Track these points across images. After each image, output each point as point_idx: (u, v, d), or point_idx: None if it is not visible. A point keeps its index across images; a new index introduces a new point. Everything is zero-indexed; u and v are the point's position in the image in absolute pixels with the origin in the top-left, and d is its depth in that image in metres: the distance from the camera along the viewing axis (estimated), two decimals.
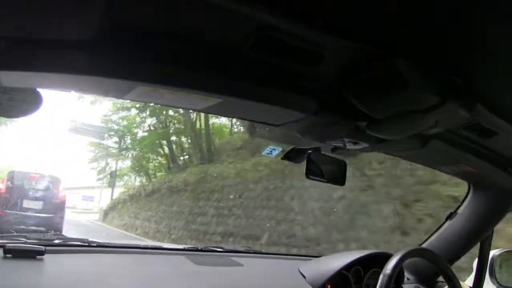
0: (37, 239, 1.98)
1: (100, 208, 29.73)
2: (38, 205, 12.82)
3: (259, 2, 0.91)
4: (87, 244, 2.14)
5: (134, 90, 1.17)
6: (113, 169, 28.94)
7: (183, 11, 0.97)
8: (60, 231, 11.57)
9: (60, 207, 13.38)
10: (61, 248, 1.99)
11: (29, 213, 12.29)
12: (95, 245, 2.15)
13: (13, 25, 0.93)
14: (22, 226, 11.12)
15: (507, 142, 1.60)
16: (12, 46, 0.97)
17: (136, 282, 1.89)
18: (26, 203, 12.68)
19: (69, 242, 2.13)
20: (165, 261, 2.21)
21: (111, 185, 29.01)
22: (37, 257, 1.78)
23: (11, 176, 13.57)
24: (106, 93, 1.31)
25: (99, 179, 30.11)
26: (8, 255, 1.74)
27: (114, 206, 26.05)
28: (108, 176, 29.32)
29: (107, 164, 29.35)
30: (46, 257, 1.80)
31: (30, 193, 13.05)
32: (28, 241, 1.91)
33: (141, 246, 2.35)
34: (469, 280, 2.49)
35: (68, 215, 23.00)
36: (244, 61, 1.15)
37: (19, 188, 12.99)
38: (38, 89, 1.22)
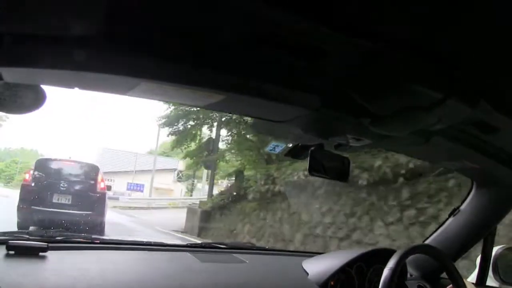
0: (39, 236, 1.98)
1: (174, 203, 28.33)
2: (70, 200, 10.64)
3: None
4: (90, 240, 2.14)
5: (138, 87, 1.18)
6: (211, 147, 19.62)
7: (186, 7, 0.98)
8: (101, 233, 10.02)
9: (99, 202, 11.02)
10: (64, 245, 2.00)
11: (60, 210, 10.21)
12: (98, 241, 2.15)
13: (17, 21, 0.94)
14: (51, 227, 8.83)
15: (510, 138, 1.60)
16: (16, 42, 0.97)
17: (139, 279, 1.89)
18: (57, 198, 10.53)
19: (72, 239, 2.13)
20: (168, 257, 2.21)
21: (210, 173, 21.21)
22: (40, 254, 1.79)
23: (39, 165, 11.33)
24: (109, 89, 1.32)
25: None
26: (11, 252, 1.74)
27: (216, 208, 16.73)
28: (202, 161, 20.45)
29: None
30: (49, 253, 1.80)
31: (61, 185, 10.78)
32: (30, 237, 1.91)
33: (144, 242, 2.35)
34: (472, 277, 2.49)
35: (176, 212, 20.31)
36: (247, 57, 1.16)
37: (48, 180, 10.84)
38: (42, 86, 1.22)
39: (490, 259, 2.36)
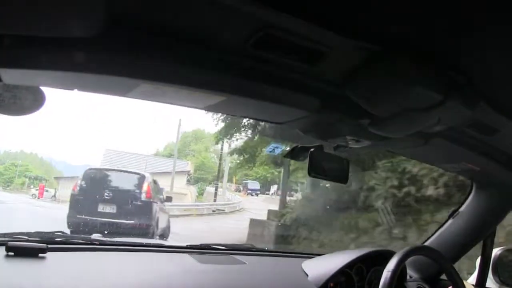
0: (39, 237, 1.98)
1: None
2: (115, 209, 10.57)
3: (262, 1, 0.91)
4: (89, 242, 2.14)
5: (137, 88, 1.18)
6: None
7: (186, 9, 0.98)
8: None
9: (144, 211, 10.76)
10: (63, 246, 1.99)
11: (104, 219, 10.15)
12: (98, 243, 2.15)
13: (16, 23, 0.93)
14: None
15: (510, 139, 1.60)
16: (15, 44, 0.97)
17: (139, 281, 1.89)
18: (101, 207, 10.52)
19: (71, 240, 2.12)
20: (168, 259, 2.21)
21: (283, 174, 17.85)
22: (39, 255, 1.78)
23: (86, 175, 11.45)
24: (109, 91, 1.32)
25: None
26: (10, 253, 1.74)
27: None
28: None
29: None
30: (48, 255, 1.80)
31: (106, 194, 10.81)
32: (30, 239, 1.91)
33: (144, 244, 2.35)
34: (472, 279, 2.49)
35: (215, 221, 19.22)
36: (247, 59, 1.16)
37: (94, 189, 10.92)
38: (41, 87, 1.22)
39: (490, 261, 2.36)
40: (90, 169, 12.36)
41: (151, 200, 11.16)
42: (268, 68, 1.20)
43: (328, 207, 11.44)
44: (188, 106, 1.40)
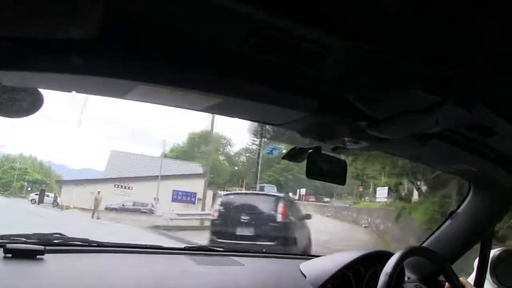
0: (37, 239, 1.97)
1: None
2: (253, 231, 10.69)
3: (259, 2, 0.91)
4: (87, 244, 2.14)
5: (134, 90, 1.18)
6: None
7: (183, 10, 0.98)
8: None
9: (281, 232, 10.71)
10: (61, 248, 1.99)
11: (244, 242, 9.95)
12: (96, 245, 2.14)
13: (14, 25, 0.93)
14: None
15: (508, 141, 1.60)
16: (13, 46, 0.97)
17: (137, 282, 1.88)
18: (240, 231, 10.68)
19: (69, 242, 2.12)
20: (166, 260, 2.21)
21: None
22: (37, 257, 1.78)
23: (224, 200, 11.86)
24: (106, 93, 1.32)
25: None
26: (8, 255, 1.74)
27: None
28: None
29: None
30: (46, 257, 1.80)
31: (243, 217, 10.99)
32: (28, 240, 1.91)
33: (142, 245, 2.34)
34: (470, 280, 2.49)
35: None
36: (245, 60, 1.16)
37: (232, 213, 11.26)
38: (39, 89, 1.22)
39: (488, 262, 2.36)
40: (227, 194, 12.78)
41: (287, 220, 11.21)
42: (265, 70, 1.20)
43: None
44: (186, 108, 1.40)
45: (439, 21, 0.98)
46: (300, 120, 1.44)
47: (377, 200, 27.43)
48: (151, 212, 29.10)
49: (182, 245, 2.57)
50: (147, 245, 2.38)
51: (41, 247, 1.81)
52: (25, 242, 1.87)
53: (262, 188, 35.90)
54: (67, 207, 28.82)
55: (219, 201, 11.97)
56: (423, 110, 1.24)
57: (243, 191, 13.43)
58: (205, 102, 1.30)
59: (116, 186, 32.54)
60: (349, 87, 1.25)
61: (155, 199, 31.23)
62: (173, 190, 29.74)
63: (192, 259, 2.20)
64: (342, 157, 1.83)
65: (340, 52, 1.12)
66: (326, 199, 39.64)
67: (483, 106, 1.31)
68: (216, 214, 11.51)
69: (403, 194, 19.84)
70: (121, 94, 1.24)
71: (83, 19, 0.93)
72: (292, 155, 1.78)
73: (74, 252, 2.01)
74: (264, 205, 11.55)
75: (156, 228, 19.04)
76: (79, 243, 2.13)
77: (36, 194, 33.19)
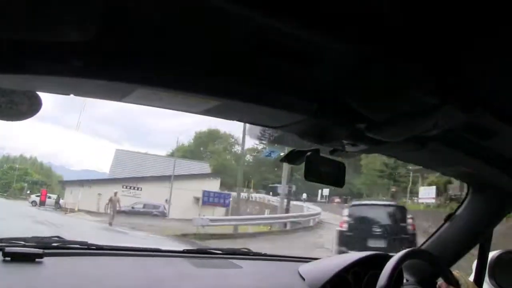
0: (35, 242, 1.97)
1: None
2: (385, 243, 10.64)
3: (258, 4, 0.91)
4: (86, 246, 2.13)
5: (133, 93, 1.18)
6: None
7: (182, 13, 0.98)
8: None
9: (411, 244, 10.41)
10: (60, 251, 1.99)
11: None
12: (94, 247, 2.14)
13: (12, 27, 0.93)
14: None
15: (507, 143, 1.61)
16: (11, 49, 0.97)
17: (135, 285, 1.88)
18: (372, 242, 10.62)
19: (68, 245, 2.12)
20: (164, 263, 2.21)
21: None
22: (36, 260, 1.78)
23: (351, 210, 11.81)
24: (105, 96, 1.32)
25: None
26: (7, 258, 1.73)
27: None
28: None
29: None
30: (45, 260, 1.80)
31: (374, 229, 11.04)
32: (27, 244, 1.91)
33: (141, 248, 2.34)
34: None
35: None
36: (243, 63, 1.16)
37: (361, 225, 11.22)
38: (37, 92, 1.22)
39: (487, 264, 2.36)
40: (354, 204, 12.64)
41: (415, 232, 11.24)
42: (264, 72, 1.20)
43: None
44: (185, 111, 1.40)
45: (438, 23, 0.98)
46: (299, 123, 1.44)
47: (420, 200, 26.58)
48: (163, 215, 27.93)
49: (181, 248, 2.57)
50: (145, 248, 2.38)
51: (40, 251, 1.81)
52: (24, 246, 1.87)
53: (275, 189, 34.50)
54: (72, 210, 27.62)
55: (346, 211, 11.82)
56: (422, 112, 1.24)
57: (370, 202, 13.01)
58: (203, 105, 1.30)
59: (125, 187, 31.18)
60: (348, 89, 1.25)
61: (166, 200, 29.98)
62: (203, 191, 26.69)
63: (191, 262, 2.20)
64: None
65: (339, 54, 1.12)
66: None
67: (482, 108, 1.31)
68: (345, 225, 11.41)
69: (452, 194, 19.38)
70: (119, 97, 1.24)
71: (82, 22, 0.93)
72: (291, 158, 1.78)
73: (73, 255, 2.01)
74: (392, 216, 11.45)
75: (184, 236, 17.15)
76: (78, 246, 2.13)
77: (37, 196, 32.11)
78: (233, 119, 1.53)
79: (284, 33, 1.01)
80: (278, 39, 1.04)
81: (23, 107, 1.23)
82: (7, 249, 1.75)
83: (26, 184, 42.23)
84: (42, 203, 29.96)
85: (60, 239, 2.15)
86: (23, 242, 1.93)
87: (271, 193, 38.32)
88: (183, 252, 2.46)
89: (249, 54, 1.11)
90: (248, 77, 1.20)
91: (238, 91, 1.24)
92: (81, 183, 32.31)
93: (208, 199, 27.03)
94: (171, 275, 2.05)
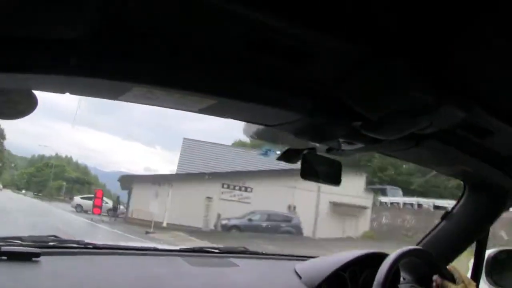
0: (32, 241, 1.97)
1: None
2: None
3: (254, 2, 0.91)
4: (83, 245, 2.13)
5: (129, 92, 1.18)
6: None
7: (177, 11, 0.98)
8: None
9: None
10: (56, 250, 1.98)
11: None
12: (91, 246, 2.14)
13: (7, 26, 0.93)
14: None
15: (503, 141, 1.61)
16: (6, 47, 0.97)
17: (132, 284, 1.88)
18: None
19: (64, 244, 2.11)
20: (161, 262, 2.20)
21: None
22: (33, 259, 1.77)
23: None
24: (101, 94, 1.31)
25: None
26: (3, 257, 1.73)
27: None
28: None
29: None
30: (41, 259, 1.79)
31: None
32: (23, 243, 1.90)
33: (137, 247, 2.34)
34: None
35: None
36: (239, 61, 1.16)
37: None
38: (33, 91, 1.22)
39: (483, 262, 2.37)
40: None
41: None
42: (259, 70, 1.20)
43: None
44: (181, 109, 1.40)
45: (435, 21, 0.98)
46: (295, 122, 1.44)
47: None
48: (298, 231, 20.17)
49: (177, 247, 2.57)
50: (142, 247, 2.38)
51: (36, 250, 1.80)
52: (21, 245, 1.87)
53: (384, 190, 30.88)
54: (148, 223, 18.49)
55: None
56: (418, 111, 1.24)
57: None
58: (200, 103, 1.30)
59: (225, 186, 23.26)
60: (344, 88, 1.25)
61: (289, 207, 21.89)
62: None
63: (187, 261, 2.19)
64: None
65: (335, 53, 1.12)
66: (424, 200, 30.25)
67: (479, 106, 1.31)
68: None
69: None
70: (116, 95, 1.24)
71: (77, 19, 0.93)
72: (287, 156, 1.78)
73: (70, 254, 2.00)
74: None
75: None
76: (75, 245, 2.12)
77: (82, 198, 24.64)
78: (229, 117, 1.53)
79: (279, 31, 1.01)
80: (273, 37, 1.04)
81: (18, 105, 1.23)
82: (4, 248, 1.75)
83: (65, 183, 37.58)
84: (97, 210, 21.27)
85: (57, 238, 2.14)
86: (19, 241, 1.92)
87: None
88: (180, 250, 2.46)
89: (245, 53, 1.12)
90: (244, 76, 1.20)
91: (234, 90, 1.24)
92: (153, 180, 23.24)
93: None
94: (168, 273, 2.05)
